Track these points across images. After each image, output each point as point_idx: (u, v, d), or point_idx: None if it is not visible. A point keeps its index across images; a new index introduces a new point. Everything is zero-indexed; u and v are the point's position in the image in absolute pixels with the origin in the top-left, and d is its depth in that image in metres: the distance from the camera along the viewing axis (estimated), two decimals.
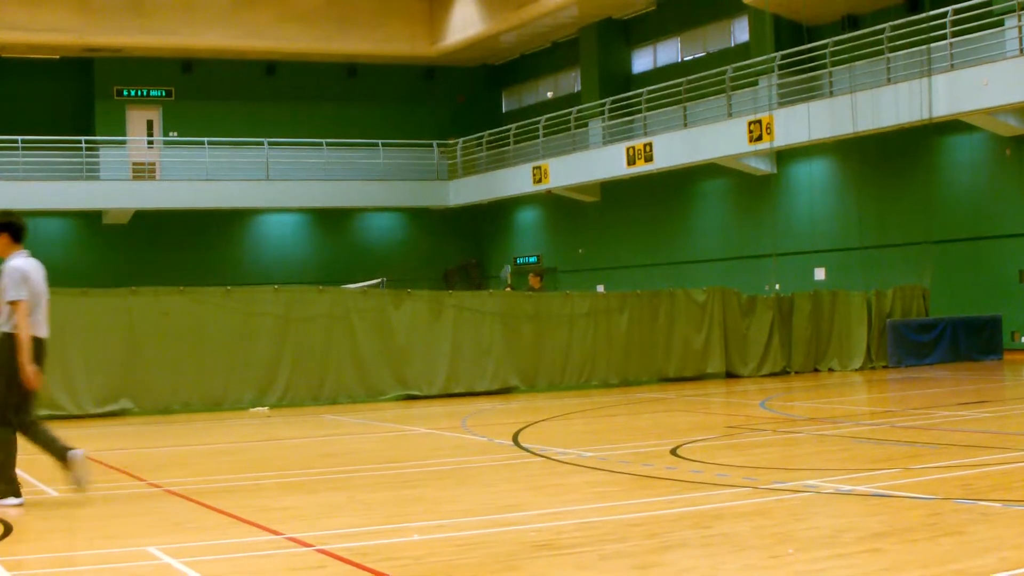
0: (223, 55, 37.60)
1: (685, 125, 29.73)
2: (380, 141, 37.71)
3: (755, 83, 28.33)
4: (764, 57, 27.82)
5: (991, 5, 23.02)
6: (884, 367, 21.52)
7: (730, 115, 28.29)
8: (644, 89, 31.89)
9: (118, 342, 16.15)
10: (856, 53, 25.49)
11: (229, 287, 17.63)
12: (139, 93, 37.60)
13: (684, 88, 29.98)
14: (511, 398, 17.82)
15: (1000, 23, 22.86)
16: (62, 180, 33.85)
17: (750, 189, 29.71)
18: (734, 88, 28.72)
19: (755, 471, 8.97)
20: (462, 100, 41.52)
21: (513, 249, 39.48)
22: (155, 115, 37.88)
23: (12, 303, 8.36)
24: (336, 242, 38.86)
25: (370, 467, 10.29)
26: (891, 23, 24.63)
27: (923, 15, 23.96)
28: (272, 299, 17.18)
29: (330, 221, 38.64)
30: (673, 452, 10.28)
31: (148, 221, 35.96)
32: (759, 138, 26.63)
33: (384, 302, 17.98)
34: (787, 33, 28.89)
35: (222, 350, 16.70)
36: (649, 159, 30.03)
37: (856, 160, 27.08)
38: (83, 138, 34.79)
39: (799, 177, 28.90)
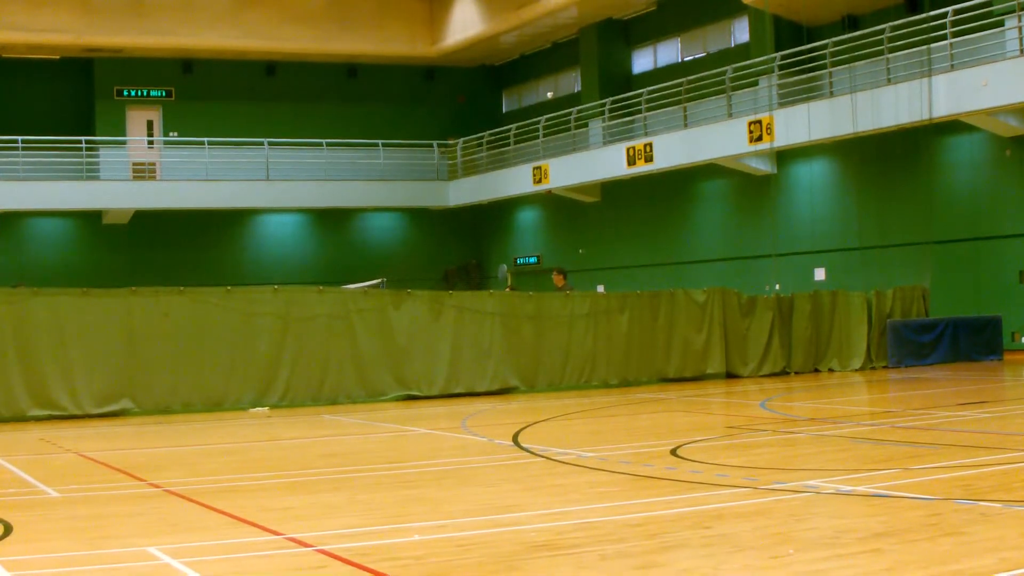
0: (223, 55, 37.61)
1: (685, 125, 29.73)
2: (380, 141, 37.71)
3: (755, 83, 28.34)
4: (764, 57, 27.82)
5: (991, 5, 23.02)
6: (884, 367, 21.52)
7: (730, 115, 28.30)
8: (644, 89, 31.89)
9: (118, 342, 16.16)
10: (856, 53, 25.49)
11: (229, 287, 17.63)
12: (139, 93, 37.60)
13: (684, 88, 29.99)
14: (511, 398, 17.82)
15: (1000, 23, 22.86)
16: (62, 180, 33.86)
17: (750, 189, 29.71)
18: (734, 88, 28.72)
19: (755, 471, 8.97)
20: (462, 100, 41.52)
21: (513, 249, 39.48)
22: (155, 115, 37.89)
23: None
24: (336, 242, 38.86)
25: (370, 467, 10.29)
26: (891, 23, 24.63)
27: (923, 15, 23.97)
28: (272, 299, 17.19)
29: (330, 221, 38.64)
30: (673, 452, 10.27)
31: (148, 221, 35.96)
32: (759, 138, 26.63)
33: (384, 302, 17.98)
34: (787, 33, 28.90)
35: (222, 350, 16.70)
36: (649, 159, 30.03)
37: (856, 160, 27.08)
38: (83, 138, 34.79)
39: (799, 177, 28.90)
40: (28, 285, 17.54)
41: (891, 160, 26.18)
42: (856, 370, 21.32)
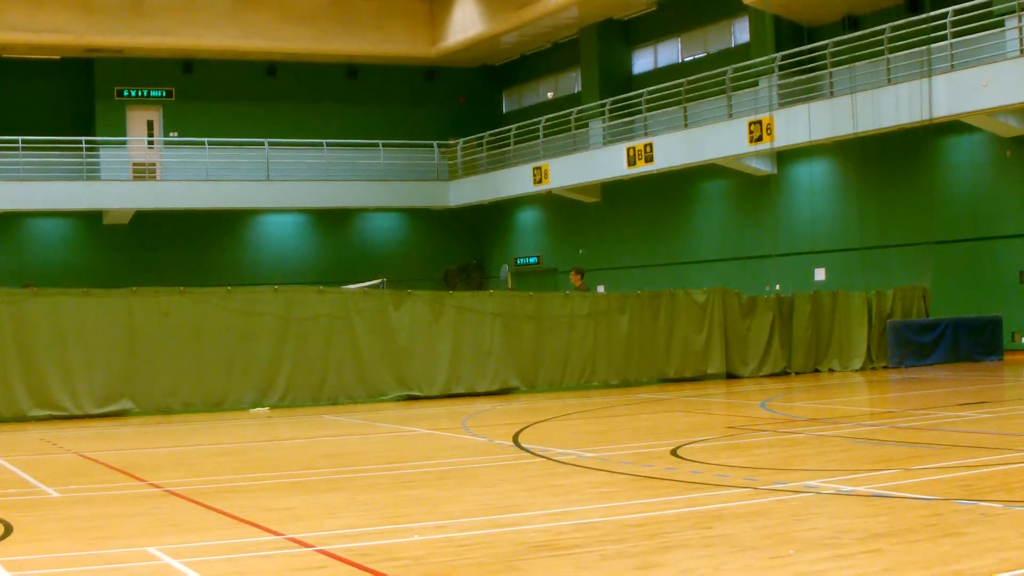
0: (223, 55, 37.62)
1: (685, 125, 29.74)
2: (381, 142, 37.72)
3: (755, 84, 28.34)
4: (764, 58, 27.83)
5: (991, 5, 23.02)
6: (884, 368, 21.52)
7: (730, 116, 28.30)
8: (644, 89, 31.90)
9: (118, 342, 16.16)
10: (856, 54, 25.50)
11: (229, 287, 17.63)
12: (139, 93, 37.61)
13: (684, 88, 29.99)
14: (511, 398, 17.82)
15: (1000, 23, 22.86)
16: (62, 180, 33.87)
17: (750, 189, 29.71)
18: (734, 89, 28.72)
19: (755, 472, 8.97)
20: (462, 101, 41.53)
21: (513, 249, 39.48)
22: (155, 115, 37.89)
23: None
24: (336, 242, 38.87)
25: (370, 467, 10.29)
26: (891, 24, 24.64)
27: (923, 15, 23.97)
28: (272, 299, 17.19)
29: (330, 221, 38.65)
30: (673, 453, 10.27)
31: (148, 221, 35.97)
32: (759, 138, 26.63)
33: (384, 302, 17.98)
34: (787, 33, 28.90)
35: (222, 350, 16.71)
36: (649, 159, 30.04)
37: (856, 160, 27.08)
38: (83, 138, 34.80)
39: (799, 177, 28.90)
40: (31, 285, 17.53)
41: (891, 160, 26.18)
42: (856, 370, 21.32)
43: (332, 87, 39.71)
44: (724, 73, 28.88)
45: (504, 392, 18.45)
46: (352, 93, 40.00)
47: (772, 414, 14.12)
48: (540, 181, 34.17)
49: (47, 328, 15.81)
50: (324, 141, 37.31)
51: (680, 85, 30.17)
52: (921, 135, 24.16)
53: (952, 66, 23.02)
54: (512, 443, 11.52)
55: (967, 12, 23.11)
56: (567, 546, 6.38)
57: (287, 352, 17.04)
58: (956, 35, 23.28)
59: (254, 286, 21.92)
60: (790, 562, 5.85)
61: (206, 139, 36.29)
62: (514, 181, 35.47)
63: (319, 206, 37.37)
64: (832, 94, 25.64)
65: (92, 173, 34.89)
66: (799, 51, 27.30)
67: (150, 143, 37.53)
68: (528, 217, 38.94)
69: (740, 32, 31.93)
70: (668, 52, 34.77)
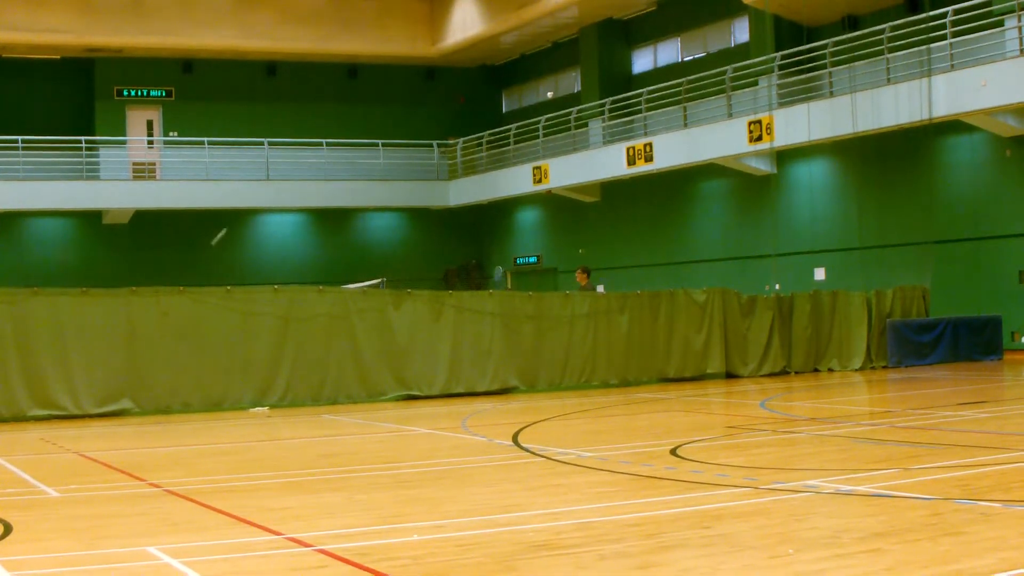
0: (223, 55, 37.62)
1: (685, 125, 29.74)
2: (380, 141, 37.72)
3: (755, 83, 28.34)
4: (764, 57, 27.83)
5: (991, 5, 23.02)
6: (884, 367, 21.52)
7: (730, 115, 28.30)
8: (644, 89, 31.90)
9: (118, 342, 16.16)
10: (856, 53, 25.50)
11: (229, 287, 17.63)
12: (139, 93, 37.61)
13: (684, 88, 29.99)
14: (511, 398, 17.82)
15: (1000, 23, 22.86)
16: (62, 180, 33.87)
17: (750, 189, 29.71)
18: (734, 88, 28.72)
19: (755, 471, 8.97)
20: (462, 100, 41.53)
21: (513, 249, 39.49)
22: (155, 115, 37.89)
23: None
24: (336, 242, 38.87)
25: (370, 467, 10.29)
26: (891, 23, 24.64)
27: (923, 15, 23.97)
28: (272, 299, 17.19)
29: (330, 221, 38.65)
30: (673, 452, 10.27)
31: (148, 221, 35.97)
32: (759, 138, 26.63)
33: (384, 302, 17.98)
34: (787, 33, 28.90)
35: (222, 350, 16.70)
36: (649, 159, 30.04)
37: (856, 160, 27.09)
38: (83, 138, 34.80)
39: (799, 177, 28.90)
40: (31, 285, 17.53)
41: (891, 160, 26.18)
42: (856, 370, 21.32)
43: (332, 87, 39.71)
44: (724, 73, 28.88)
45: (504, 392, 18.46)
46: (352, 93, 40.00)
47: (772, 414, 14.12)
48: (540, 181, 34.17)
49: (47, 328, 15.81)
50: (324, 141, 37.31)
51: (680, 85, 30.17)
52: (921, 135, 24.16)
53: (952, 66, 23.02)
54: (512, 443, 11.52)
55: (967, 12, 23.11)
56: (566, 546, 6.38)
57: (287, 352, 17.04)
58: (956, 35, 23.28)
59: (254, 286, 21.88)
60: (790, 562, 5.85)
61: (206, 139, 36.29)
62: (514, 181, 35.47)
63: (319, 206, 37.37)
64: (832, 94, 25.64)
65: (92, 173, 34.89)
66: (799, 51, 27.30)
67: (150, 143, 37.53)
68: (528, 217, 38.94)
69: (740, 32, 31.93)
70: (668, 52, 34.77)
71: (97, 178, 34.89)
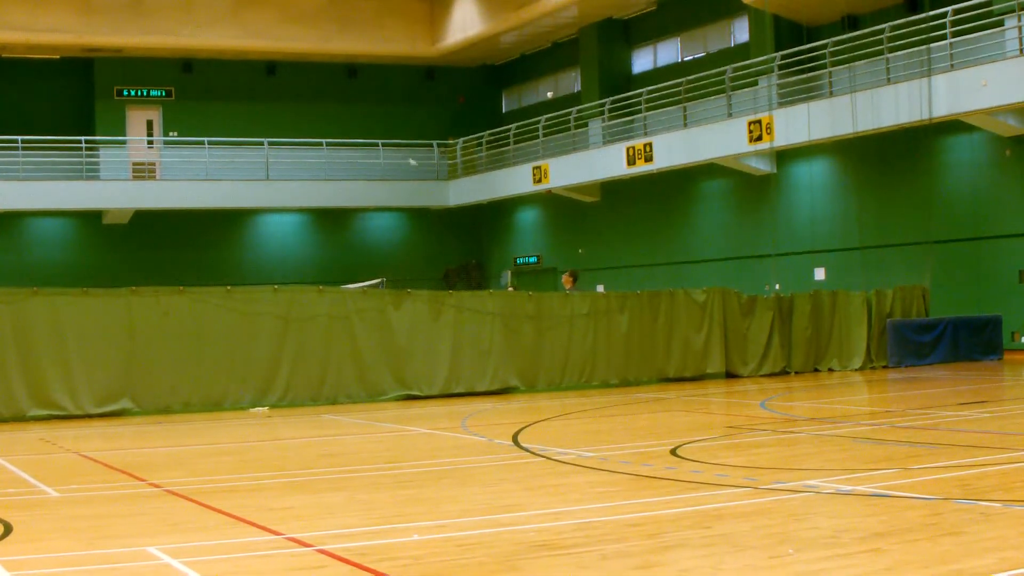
0: (223, 55, 37.61)
1: (685, 125, 29.73)
2: (380, 141, 37.71)
3: (755, 83, 28.33)
4: (764, 57, 27.82)
5: (991, 5, 23.01)
6: (884, 367, 21.52)
7: (730, 115, 28.29)
8: (644, 89, 31.89)
9: (118, 342, 16.16)
10: (856, 53, 25.49)
11: (229, 287, 17.63)
12: (139, 93, 37.60)
13: (684, 88, 29.98)
14: (511, 398, 17.82)
15: (1000, 23, 22.86)
16: (62, 180, 33.86)
17: (750, 189, 29.70)
18: (734, 88, 28.72)
19: (755, 471, 8.97)
20: (462, 100, 41.52)
21: (513, 249, 39.48)
22: (155, 115, 37.88)
23: None
24: (336, 242, 38.86)
25: (370, 467, 10.29)
26: (891, 23, 24.63)
27: (923, 15, 23.96)
28: (272, 299, 17.19)
29: (330, 221, 38.64)
30: (673, 452, 10.27)
31: (148, 221, 35.96)
32: (759, 138, 26.63)
33: (384, 302, 17.98)
34: (787, 33, 28.89)
35: (222, 350, 16.71)
36: (649, 159, 30.03)
37: (856, 160, 27.08)
38: (83, 138, 34.79)
39: (799, 177, 28.90)
40: (31, 285, 17.54)
41: (891, 160, 26.18)
42: (856, 370, 21.32)
43: (332, 87, 39.70)
44: (724, 73, 28.87)
45: (504, 392, 18.45)
46: (352, 93, 39.99)
47: (772, 413, 14.12)
48: (540, 181, 34.16)
49: (47, 328, 15.81)
50: (324, 141, 37.30)
51: (680, 85, 30.16)
52: (921, 134, 24.15)
53: (952, 66, 23.01)
54: (512, 443, 11.52)
55: (967, 12, 23.11)
56: (567, 545, 6.38)
57: (287, 352, 17.05)
58: (956, 35, 23.27)
59: (254, 286, 21.89)
60: (789, 561, 5.85)
61: (206, 139, 36.28)
62: (514, 181, 35.46)
63: (319, 206, 37.36)
64: (832, 94, 25.64)
65: (92, 173, 34.88)
66: (799, 51, 27.30)
67: (150, 143, 37.52)
68: (528, 217, 38.94)
69: (740, 32, 31.92)
70: (668, 52, 34.76)
71: (97, 178, 34.87)
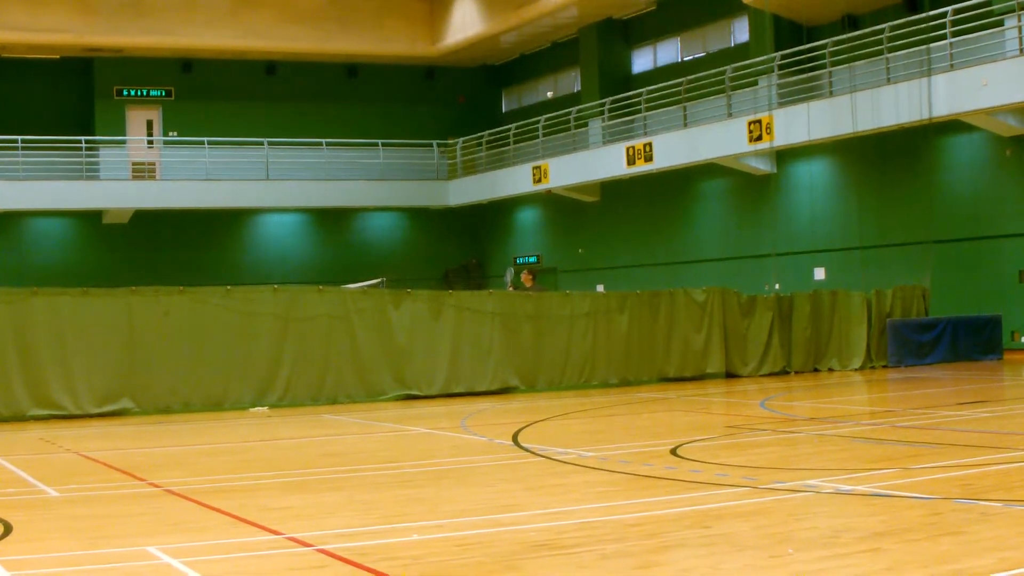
0: (223, 55, 37.60)
1: (685, 125, 29.73)
2: (380, 141, 37.71)
3: (755, 83, 28.33)
4: (764, 57, 27.81)
5: (991, 5, 23.01)
6: (884, 367, 21.52)
7: (730, 115, 28.29)
8: (644, 89, 31.88)
9: (118, 342, 16.16)
10: (856, 53, 25.49)
11: (229, 287, 17.63)
12: (139, 93, 37.60)
13: (684, 88, 29.98)
14: (511, 398, 17.82)
15: (1000, 23, 22.86)
16: (62, 180, 33.86)
17: (750, 189, 29.71)
18: (734, 88, 28.71)
19: (755, 471, 8.97)
20: (462, 100, 41.52)
21: (513, 249, 39.48)
22: (155, 115, 37.88)
23: None
24: (336, 242, 38.86)
25: (370, 467, 10.29)
26: (891, 23, 24.63)
27: (923, 15, 23.96)
28: (272, 299, 17.19)
29: (330, 221, 38.64)
30: (673, 452, 10.28)
31: (148, 221, 35.96)
32: (759, 138, 26.63)
33: (384, 302, 17.98)
34: (787, 33, 28.89)
35: (222, 350, 16.71)
36: (649, 159, 30.03)
37: (856, 160, 27.08)
38: (83, 138, 34.79)
39: (799, 177, 28.90)
40: (31, 285, 17.54)
41: (891, 160, 26.17)
42: (856, 370, 21.32)
43: (332, 87, 39.69)
44: (723, 72, 28.87)
45: (503, 391, 18.45)
46: (352, 92, 39.99)
47: (772, 413, 14.12)
48: (539, 180, 34.16)
49: (47, 328, 15.82)
50: (324, 140, 37.30)
51: (680, 84, 30.16)
52: (921, 134, 24.15)
53: (952, 65, 23.01)
54: (512, 442, 11.52)
55: (966, 11, 23.10)
56: (566, 545, 6.38)
57: (286, 352, 17.05)
58: (955, 34, 23.27)
59: (254, 286, 21.87)
60: (789, 561, 5.85)
61: (206, 139, 36.28)
62: (513, 180, 35.46)
63: (319, 206, 37.36)
64: (831, 93, 25.64)
65: (92, 173, 34.88)
66: (798, 50, 27.30)
67: (150, 143, 37.52)
68: (528, 216, 38.94)
69: (740, 31, 31.92)
70: (667, 51, 34.75)
71: (97, 178, 34.87)
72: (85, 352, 15.93)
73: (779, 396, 16.96)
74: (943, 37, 23.37)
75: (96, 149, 35.72)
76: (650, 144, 29.97)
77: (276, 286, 17.83)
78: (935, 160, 25.39)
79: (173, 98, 37.99)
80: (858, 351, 21.56)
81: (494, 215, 39.78)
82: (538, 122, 35.12)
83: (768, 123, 26.32)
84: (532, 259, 38.21)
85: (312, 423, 14.80)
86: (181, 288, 16.93)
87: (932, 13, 23.59)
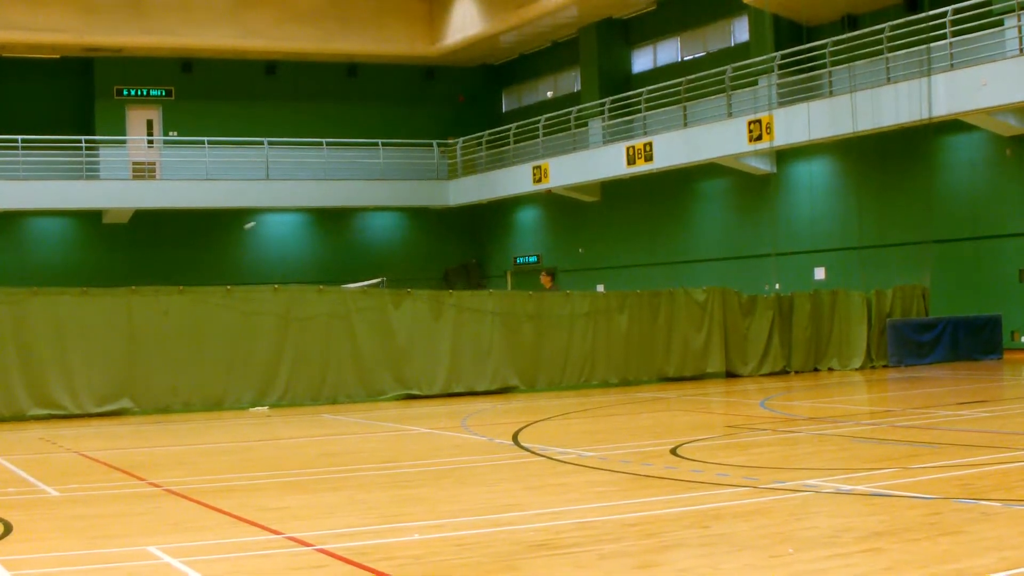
0: (223, 55, 37.60)
1: (685, 125, 29.73)
2: (380, 141, 37.71)
3: (755, 83, 28.33)
4: (764, 57, 27.81)
5: (991, 5, 23.01)
6: (884, 367, 21.52)
7: (730, 115, 28.29)
8: (644, 89, 31.88)
9: (118, 342, 16.17)
10: (856, 53, 25.49)
11: (229, 287, 17.64)
12: (139, 93, 37.59)
13: (684, 88, 29.98)
14: (511, 398, 17.82)
15: (1000, 23, 22.86)
16: (62, 180, 33.85)
17: (750, 189, 29.71)
18: (734, 88, 28.72)
19: (755, 471, 8.97)
20: (462, 100, 41.51)
21: (513, 249, 39.48)
22: (155, 115, 37.88)
23: None
24: (336, 242, 38.86)
25: (370, 467, 10.29)
26: (891, 23, 24.63)
27: (923, 15, 23.96)
28: (272, 299, 17.19)
29: (330, 221, 38.64)
30: (673, 452, 10.28)
31: (148, 221, 35.95)
32: (759, 138, 26.63)
33: (384, 302, 17.98)
34: (787, 33, 28.89)
35: (222, 350, 16.71)
36: (649, 159, 30.03)
37: (856, 160, 27.07)
38: (83, 138, 34.79)
39: (799, 177, 28.90)
40: (31, 285, 17.55)
41: (891, 160, 26.17)
42: (856, 369, 21.32)
43: (332, 86, 39.69)
44: (723, 72, 28.87)
45: (504, 391, 18.46)
46: (352, 92, 39.98)
47: (772, 413, 14.12)
48: (540, 180, 34.16)
49: (47, 327, 15.82)
50: (324, 140, 37.30)
51: (679, 84, 30.16)
52: (921, 134, 24.15)
53: (951, 65, 23.01)
54: (512, 442, 11.52)
55: (966, 11, 23.10)
56: (566, 545, 6.38)
57: (287, 351, 17.05)
58: (955, 34, 23.27)
59: (254, 285, 21.88)
60: (789, 561, 5.85)
61: (206, 138, 36.27)
62: (514, 180, 35.46)
63: (319, 205, 37.36)
64: (831, 93, 25.64)
65: (92, 172, 34.87)
66: (798, 50, 27.30)
67: (150, 142, 37.52)
68: (528, 216, 38.94)
69: (740, 31, 31.92)
70: (667, 51, 34.76)
71: (97, 178, 34.87)
72: (85, 352, 15.94)
73: (779, 396, 16.96)
74: (943, 37, 23.37)
75: (96, 149, 35.72)
76: (650, 144, 29.97)
77: (276, 286, 17.83)
78: (935, 160, 25.39)
79: (173, 98, 37.99)
80: (858, 351, 21.56)
81: (494, 215, 39.78)
82: (538, 122, 35.12)
83: (768, 123, 26.32)
84: (532, 259, 38.21)
85: (312, 423, 14.80)
86: (181, 288, 16.93)
87: (932, 13, 23.59)
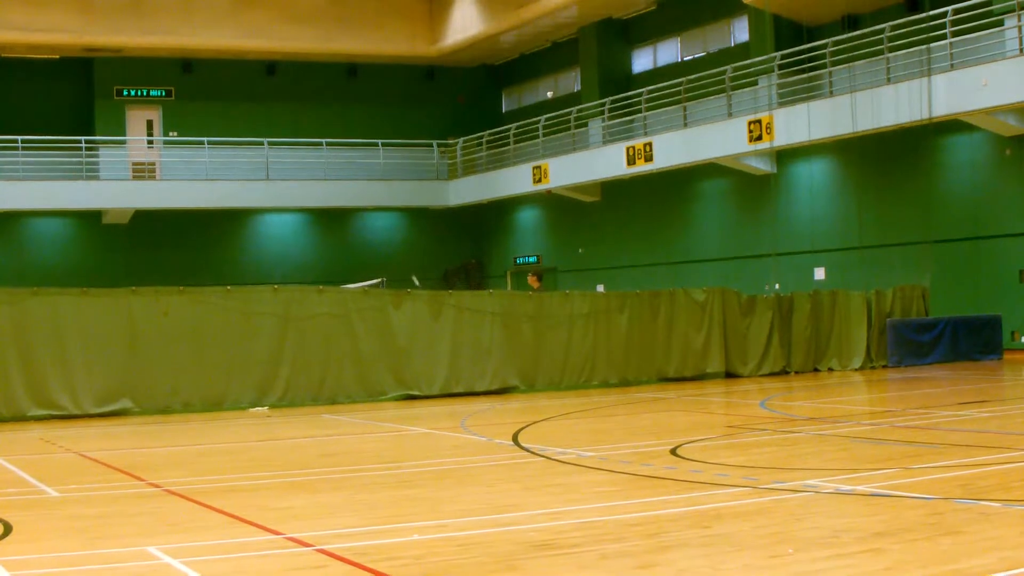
0: (223, 55, 37.60)
1: (685, 125, 29.73)
2: (380, 141, 37.71)
3: (755, 83, 28.34)
4: (764, 57, 27.82)
5: (991, 5, 23.02)
6: (884, 367, 21.52)
7: (730, 115, 28.29)
8: (644, 89, 31.88)
9: (118, 342, 16.16)
10: (856, 53, 25.49)
11: (229, 287, 17.64)
12: (139, 93, 37.59)
13: (684, 88, 29.98)
14: (511, 398, 17.82)
15: (1000, 23, 22.86)
16: (62, 180, 33.85)
17: (750, 189, 29.71)
18: (734, 88, 28.72)
19: (755, 471, 8.97)
20: (462, 100, 41.51)
21: (513, 249, 39.48)
22: (155, 115, 37.88)
23: None
24: (336, 242, 38.86)
25: (370, 467, 10.29)
26: (891, 23, 24.63)
27: (923, 15, 23.96)
28: (272, 299, 17.19)
29: (330, 221, 38.64)
30: (673, 452, 10.27)
31: (148, 221, 35.95)
32: (759, 138, 26.63)
33: (384, 302, 17.98)
34: (787, 33, 28.89)
35: (222, 350, 16.71)
36: (649, 159, 30.03)
37: (856, 160, 27.08)
38: (83, 138, 34.79)
39: (799, 177, 28.90)
40: (31, 285, 17.55)
41: (891, 160, 26.18)
42: (856, 369, 21.32)
43: (332, 87, 39.69)
44: (724, 72, 28.87)
45: (503, 391, 18.45)
46: (352, 92, 39.99)
47: (772, 413, 14.12)
48: (540, 180, 34.16)
49: (47, 328, 15.82)
50: (324, 140, 37.30)
51: (680, 84, 30.16)
52: (921, 134, 24.15)
53: (952, 65, 23.01)
54: (512, 442, 11.52)
55: (967, 11, 23.11)
56: (566, 545, 6.38)
57: (286, 351, 17.05)
58: (956, 34, 23.27)
59: (253, 286, 21.87)
60: (789, 561, 5.85)
61: (205, 139, 36.28)
62: (514, 180, 35.46)
63: (319, 206, 37.36)
64: (832, 93, 25.64)
65: (91, 173, 34.87)
66: (799, 50, 27.30)
67: (149, 143, 37.52)
68: (528, 216, 38.94)
69: (740, 31, 31.92)
70: (668, 51, 34.76)
71: (97, 178, 34.86)
72: (85, 352, 15.94)
73: (779, 396, 16.96)
74: (943, 37, 23.37)
75: (96, 149, 35.72)
76: (650, 144, 29.97)
77: (276, 286, 17.83)
78: (935, 160, 25.39)
79: (173, 98, 37.99)
80: (858, 351, 21.56)
81: (494, 215, 39.78)
82: (538, 122, 35.12)
83: (768, 123, 26.32)
84: (532, 259, 38.22)
85: (312, 423, 14.80)
86: (181, 288, 16.93)
87: (932, 13, 23.59)
